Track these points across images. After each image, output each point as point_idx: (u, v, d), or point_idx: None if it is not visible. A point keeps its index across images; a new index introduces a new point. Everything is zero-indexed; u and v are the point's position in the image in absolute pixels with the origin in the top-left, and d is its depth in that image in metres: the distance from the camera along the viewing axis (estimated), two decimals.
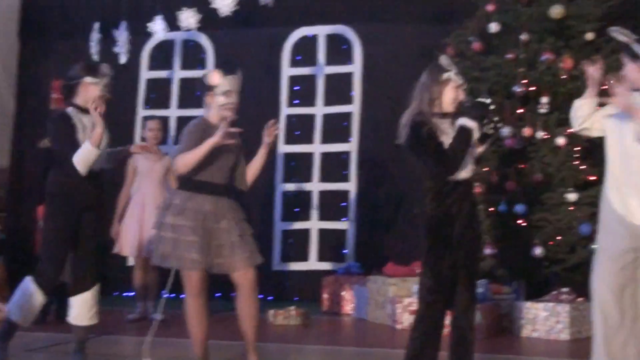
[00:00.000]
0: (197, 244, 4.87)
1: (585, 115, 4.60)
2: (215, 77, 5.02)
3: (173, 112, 9.71)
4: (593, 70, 4.60)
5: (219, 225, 4.94)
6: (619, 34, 4.35)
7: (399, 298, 7.15)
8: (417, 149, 4.51)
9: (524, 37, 7.61)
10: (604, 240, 4.42)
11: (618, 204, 4.36)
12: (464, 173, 4.52)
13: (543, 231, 7.16)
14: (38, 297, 5.35)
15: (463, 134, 4.47)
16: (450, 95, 4.54)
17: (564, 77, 7.43)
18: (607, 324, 4.30)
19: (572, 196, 7.14)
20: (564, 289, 6.79)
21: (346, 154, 9.19)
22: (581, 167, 7.24)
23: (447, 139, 4.49)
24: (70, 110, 5.45)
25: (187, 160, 4.88)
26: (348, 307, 8.06)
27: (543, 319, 6.62)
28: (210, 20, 9.12)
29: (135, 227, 7.42)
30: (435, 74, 4.57)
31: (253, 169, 5.23)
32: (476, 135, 4.55)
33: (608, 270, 4.33)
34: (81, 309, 5.45)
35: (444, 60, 4.62)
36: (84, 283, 5.46)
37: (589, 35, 7.60)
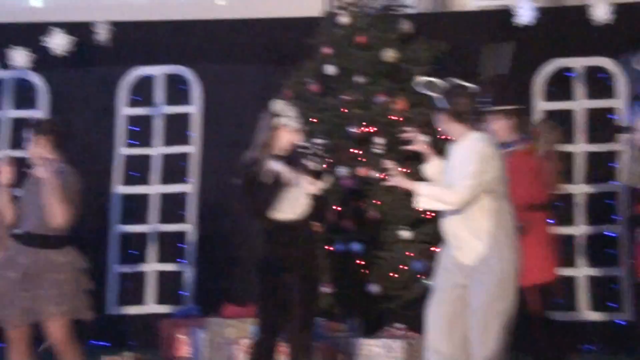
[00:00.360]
0: (21, 296, 4.82)
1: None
2: None
3: (5, 154, 9.34)
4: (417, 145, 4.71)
5: (51, 275, 4.84)
6: (422, 87, 4.53)
7: (238, 339, 7.09)
8: (240, 192, 4.72)
9: (359, 79, 7.80)
10: (437, 276, 4.54)
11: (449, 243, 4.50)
12: (289, 214, 4.61)
13: (379, 269, 7.29)
14: None
15: (266, 177, 4.59)
16: (284, 139, 4.71)
17: (398, 118, 7.64)
18: (435, 357, 4.38)
19: (406, 234, 7.32)
20: (398, 325, 6.92)
21: (184, 195, 9.09)
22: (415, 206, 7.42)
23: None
24: None
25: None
26: (185, 350, 7.90)
27: (378, 354, 6.70)
28: (44, 60, 8.90)
29: None
30: (268, 119, 4.75)
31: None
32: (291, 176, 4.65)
33: (437, 303, 4.42)
34: None
35: (278, 105, 4.76)
36: None
37: None
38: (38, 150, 5.06)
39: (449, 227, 4.43)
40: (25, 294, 4.81)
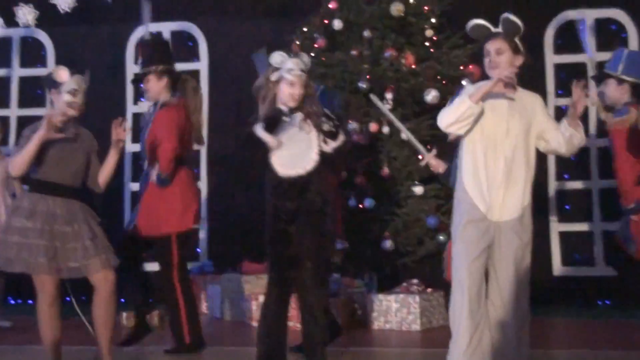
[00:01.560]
0: (43, 248, 4.74)
1: (474, 120, 4.43)
2: (62, 75, 4.91)
3: (13, 112, 9.35)
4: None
5: (70, 229, 4.83)
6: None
7: (254, 295, 7.20)
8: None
9: (367, 34, 7.79)
10: (466, 235, 4.42)
11: (477, 198, 4.41)
12: (297, 170, 4.65)
13: (392, 224, 7.38)
14: None
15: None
16: (285, 92, 4.69)
17: (406, 73, 7.66)
18: (471, 318, 4.37)
19: (418, 189, 7.39)
20: (414, 280, 7.02)
21: (196, 153, 9.11)
22: None
23: (285, 136, 4.65)
24: None
25: (18, 161, 4.77)
26: (202, 306, 8.03)
27: (395, 310, 6.82)
28: (49, 17, 8.86)
29: None
30: (267, 73, 4.73)
31: (105, 170, 5.07)
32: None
33: (467, 259, 4.38)
34: None
35: (275, 58, 4.73)
36: None
37: (429, 32, 7.87)
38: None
39: (513, 173, 4.37)
40: (61, 245, 4.80)
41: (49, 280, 4.81)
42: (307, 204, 4.66)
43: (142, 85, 5.94)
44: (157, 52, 5.93)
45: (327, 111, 4.88)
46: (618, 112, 5.35)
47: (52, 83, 4.92)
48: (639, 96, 5.35)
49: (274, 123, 4.62)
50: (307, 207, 4.66)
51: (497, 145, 4.38)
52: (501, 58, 4.42)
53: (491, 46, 4.44)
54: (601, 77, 5.52)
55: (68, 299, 5.18)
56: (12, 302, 8.62)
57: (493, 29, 4.43)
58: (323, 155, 4.74)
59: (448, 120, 4.42)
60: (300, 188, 4.66)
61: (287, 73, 4.68)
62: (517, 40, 4.42)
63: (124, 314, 7.26)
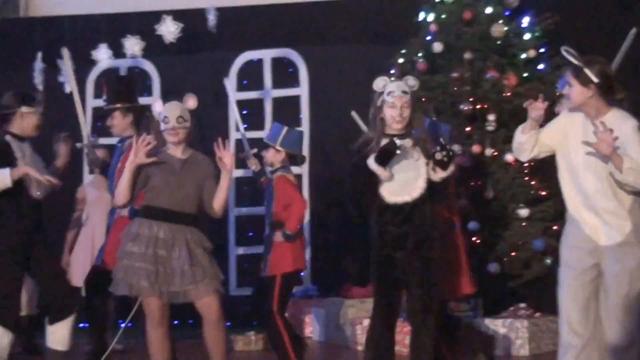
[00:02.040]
0: (145, 271, 4.85)
1: (530, 148, 4.60)
2: (157, 105, 5.13)
3: None
4: (536, 109, 4.53)
5: (171, 253, 4.91)
6: (570, 55, 4.43)
7: (358, 319, 7.20)
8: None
9: (467, 55, 7.76)
10: (569, 256, 4.47)
11: (581, 222, 4.42)
12: (403, 197, 4.64)
13: (497, 248, 7.29)
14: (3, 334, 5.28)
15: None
16: (388, 114, 4.70)
17: (509, 94, 7.59)
18: (575, 339, 4.38)
19: (523, 212, 7.29)
20: (521, 305, 6.91)
21: (298, 177, 9.19)
22: (531, 183, 7.39)
23: (394, 161, 4.65)
24: (8, 138, 5.56)
25: (118, 190, 4.93)
26: (307, 330, 8.07)
27: (502, 335, 6.72)
28: (155, 47, 9.11)
29: (85, 256, 7.32)
30: (374, 99, 4.76)
31: (219, 195, 5.08)
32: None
33: (574, 285, 4.40)
34: (62, 333, 5.38)
35: (377, 83, 4.76)
36: (63, 310, 5.40)
37: (531, 52, 7.79)
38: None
39: (598, 203, 4.35)
40: (163, 269, 4.89)
41: (154, 303, 4.93)
42: (413, 230, 4.65)
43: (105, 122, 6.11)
44: (123, 89, 6.06)
45: (444, 140, 4.85)
46: None
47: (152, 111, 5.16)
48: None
49: (387, 156, 4.63)
50: (413, 234, 4.65)
51: (579, 173, 4.39)
52: (570, 90, 4.40)
53: (566, 77, 4.46)
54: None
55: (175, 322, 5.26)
56: (122, 324, 8.80)
57: (571, 59, 4.38)
58: (431, 183, 4.72)
59: (513, 146, 4.70)
60: (406, 215, 4.66)
61: (388, 96, 4.71)
62: (587, 71, 4.32)
63: (230, 338, 7.32)
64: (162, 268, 4.88)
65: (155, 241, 4.90)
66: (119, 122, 5.98)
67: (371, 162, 4.64)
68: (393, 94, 4.70)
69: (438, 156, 4.68)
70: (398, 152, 4.62)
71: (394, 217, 4.67)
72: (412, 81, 4.85)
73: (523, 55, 7.81)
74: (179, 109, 5.03)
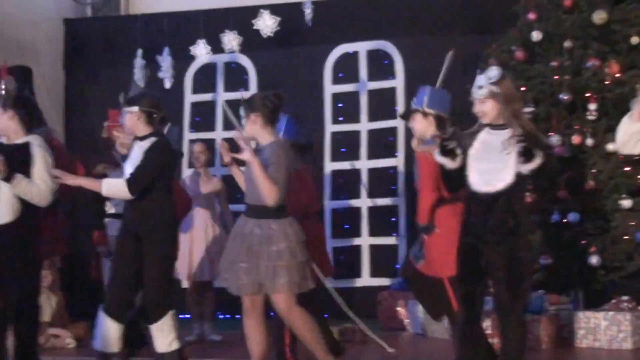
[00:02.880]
0: (245, 268, 4.93)
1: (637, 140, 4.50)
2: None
3: (218, 134, 9.76)
4: None
5: (265, 248, 4.96)
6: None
7: None
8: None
9: (567, 44, 7.58)
10: None
11: None
12: (487, 187, 4.57)
13: (598, 239, 7.11)
14: (111, 324, 5.40)
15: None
16: (476, 109, 4.67)
17: (610, 82, 7.39)
18: None
19: (626, 203, 7.09)
20: (624, 297, 6.73)
21: (393, 169, 9.18)
22: (634, 173, 7.18)
23: (485, 151, 4.61)
24: None
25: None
26: (404, 322, 8.04)
27: (604, 328, 6.56)
28: (251, 42, 9.20)
29: (185, 250, 7.46)
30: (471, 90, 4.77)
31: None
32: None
33: None
34: (159, 336, 5.47)
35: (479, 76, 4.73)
36: (152, 313, 5.48)
37: (635, 39, 7.55)
38: (250, 127, 5.09)
39: None
40: (248, 264, 4.93)
41: (252, 297, 5.00)
42: (495, 222, 4.57)
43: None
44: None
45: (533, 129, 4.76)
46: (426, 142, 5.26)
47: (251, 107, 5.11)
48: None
49: (446, 151, 4.64)
50: (495, 226, 4.57)
51: None
52: None
53: None
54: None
55: (272, 314, 5.31)
56: (222, 317, 8.95)
57: None
58: (519, 176, 4.63)
59: (619, 138, 4.52)
60: (488, 205, 4.59)
61: (473, 91, 4.69)
62: None
63: None
64: (259, 263, 4.94)
65: (251, 237, 4.97)
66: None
67: (436, 155, 4.67)
68: (473, 89, 4.71)
69: (520, 146, 4.60)
70: (448, 147, 4.64)
71: (478, 206, 4.61)
72: (493, 72, 4.71)
73: (626, 43, 7.58)
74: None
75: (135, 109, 5.42)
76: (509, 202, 4.58)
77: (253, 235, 4.97)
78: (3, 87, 5.39)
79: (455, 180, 4.74)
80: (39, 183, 5.29)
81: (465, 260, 4.64)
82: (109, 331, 5.41)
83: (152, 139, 5.45)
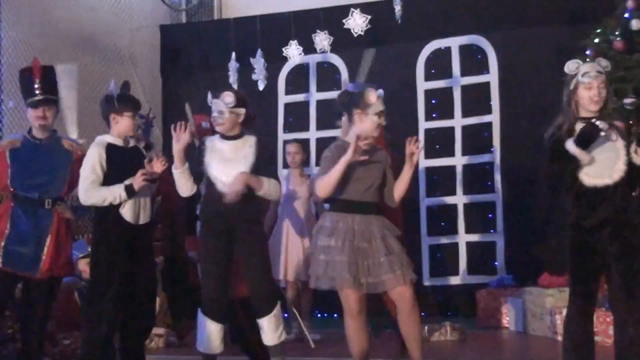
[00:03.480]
0: (346, 264, 4.91)
1: None
2: (371, 97, 5.06)
3: (312, 134, 9.81)
4: None
5: (367, 245, 4.96)
6: None
7: (558, 309, 7.00)
8: (546, 160, 4.72)
9: None
10: None
11: None
12: (604, 180, 4.47)
13: None
14: (211, 325, 5.48)
15: (557, 156, 4.58)
16: (584, 96, 4.58)
17: None
18: None
19: None
20: None
21: (489, 165, 9.06)
22: None
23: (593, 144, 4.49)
24: None
25: (325, 183, 4.96)
26: (504, 320, 7.93)
27: None
28: (342, 41, 9.22)
29: (281, 250, 7.52)
30: (567, 82, 4.68)
31: (400, 186, 5.18)
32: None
33: None
34: (270, 328, 5.53)
35: (569, 65, 4.65)
36: (262, 307, 5.52)
37: None
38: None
39: None
40: (349, 260, 4.90)
41: (352, 295, 4.98)
42: (613, 214, 4.49)
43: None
44: None
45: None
46: None
47: (358, 104, 5.09)
48: None
49: (589, 138, 4.50)
50: (613, 218, 4.49)
51: None
52: None
53: None
54: None
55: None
56: (319, 315, 9.00)
57: None
58: (631, 166, 4.53)
59: None
60: (605, 198, 4.50)
61: (583, 77, 4.60)
62: None
63: (425, 329, 7.30)
64: (361, 260, 4.94)
65: (353, 233, 4.97)
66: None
67: (570, 146, 4.51)
68: (588, 74, 4.62)
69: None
70: (602, 134, 4.49)
71: (592, 201, 4.52)
72: (604, 62, 4.74)
73: None
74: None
75: (243, 110, 5.47)
76: (624, 192, 4.51)
77: (370, 232, 4.98)
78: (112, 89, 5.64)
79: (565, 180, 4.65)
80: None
81: (578, 259, 4.59)
82: (211, 332, 5.47)
83: (252, 137, 5.54)
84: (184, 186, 5.48)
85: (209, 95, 5.58)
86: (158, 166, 5.50)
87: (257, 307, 5.49)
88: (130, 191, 5.40)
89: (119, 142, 5.54)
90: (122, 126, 5.55)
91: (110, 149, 5.47)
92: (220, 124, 5.49)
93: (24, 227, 5.58)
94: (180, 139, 5.32)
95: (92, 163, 5.40)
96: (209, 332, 5.47)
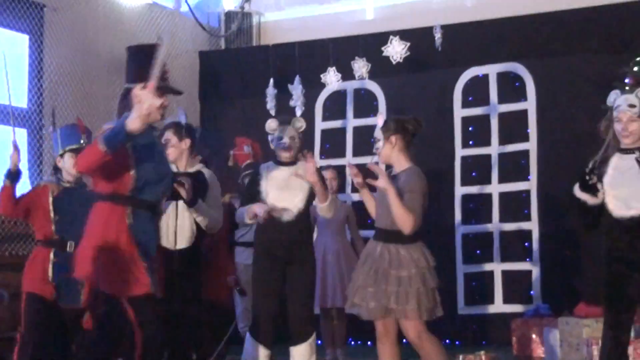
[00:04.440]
0: (371, 292, 4.91)
1: None
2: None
3: (348, 161, 9.81)
4: None
5: (394, 272, 4.92)
6: None
7: (595, 339, 6.90)
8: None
9: None
10: None
11: None
12: (631, 212, 4.44)
13: None
14: (259, 349, 5.51)
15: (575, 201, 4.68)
16: (617, 129, 4.57)
17: None
18: None
19: None
20: None
21: (526, 193, 9.00)
22: None
23: (620, 174, 4.51)
24: None
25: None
26: (539, 350, 7.83)
27: None
28: (380, 68, 9.25)
29: (317, 275, 7.51)
30: (609, 113, 4.67)
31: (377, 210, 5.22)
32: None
33: None
34: (304, 356, 5.53)
35: (609, 97, 4.66)
36: (300, 333, 5.55)
37: None
38: (388, 150, 5.05)
39: None
40: (376, 288, 4.89)
41: (384, 322, 4.99)
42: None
43: None
44: None
45: None
46: None
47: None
48: None
49: (585, 183, 4.56)
50: None
51: None
52: None
53: None
54: None
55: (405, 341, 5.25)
56: (353, 343, 8.98)
57: None
58: None
59: None
60: (635, 230, 4.46)
61: (615, 110, 4.61)
62: None
63: (460, 357, 7.24)
64: (387, 287, 4.92)
65: (381, 260, 4.95)
66: None
67: (576, 190, 4.62)
68: (619, 107, 4.60)
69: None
70: (591, 181, 4.54)
71: (623, 232, 4.50)
72: None
73: None
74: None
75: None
76: None
77: (382, 259, 4.94)
78: (182, 118, 5.71)
79: (593, 214, 4.63)
80: (216, 209, 5.60)
81: (612, 290, 4.56)
82: (260, 357, 5.50)
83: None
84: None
85: (273, 122, 5.62)
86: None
87: (295, 333, 5.52)
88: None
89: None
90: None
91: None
92: (291, 149, 5.56)
93: None
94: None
95: None
96: (255, 355, 5.49)
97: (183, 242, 5.53)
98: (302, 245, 5.60)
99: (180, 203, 5.50)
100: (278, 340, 5.70)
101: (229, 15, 10.91)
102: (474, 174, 9.22)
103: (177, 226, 5.52)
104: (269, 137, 5.77)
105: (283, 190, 5.52)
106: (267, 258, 5.58)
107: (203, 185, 5.61)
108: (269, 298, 5.55)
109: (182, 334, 5.56)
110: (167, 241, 5.49)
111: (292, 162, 5.64)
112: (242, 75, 10.37)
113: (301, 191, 5.54)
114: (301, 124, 5.65)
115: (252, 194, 5.63)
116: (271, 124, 5.67)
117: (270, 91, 9.56)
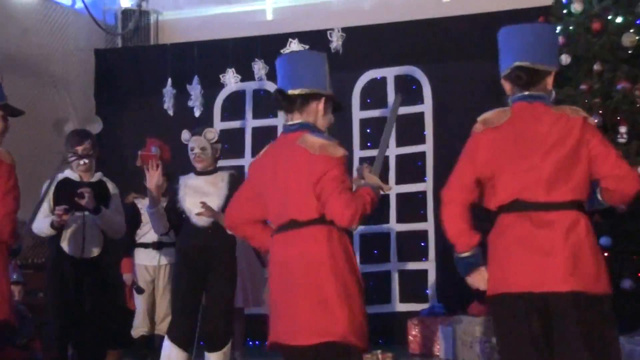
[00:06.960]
0: None
1: None
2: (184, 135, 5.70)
3: (247, 161, 9.79)
4: None
5: None
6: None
7: (486, 337, 7.08)
8: None
9: (597, 67, 7.55)
10: None
11: None
12: None
13: (631, 263, 7.03)
14: (178, 353, 5.47)
15: None
16: None
17: None
18: None
19: None
20: None
21: (422, 194, 9.16)
22: None
23: None
24: None
25: None
26: (435, 348, 7.98)
27: (638, 354, 6.46)
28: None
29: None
30: None
31: None
32: None
33: None
34: None
35: None
36: (216, 342, 5.57)
37: None
38: None
39: None
40: None
41: None
42: None
43: None
44: None
45: None
46: None
47: None
48: None
49: None
50: None
51: None
52: None
53: None
54: None
55: None
56: (251, 344, 8.92)
57: None
58: None
59: None
60: None
61: None
62: None
63: None
64: None
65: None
66: None
67: None
68: None
69: None
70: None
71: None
72: None
73: None
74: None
75: (219, 145, 5.96)
76: None
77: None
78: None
79: None
80: (118, 215, 5.81)
81: None
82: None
83: (225, 172, 6.00)
84: (158, 225, 5.54)
85: (185, 133, 5.76)
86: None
87: (212, 341, 5.57)
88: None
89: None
90: None
91: None
92: (202, 160, 5.59)
93: None
94: (154, 178, 5.38)
95: None
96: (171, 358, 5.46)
97: (92, 251, 5.69)
98: (220, 251, 5.63)
99: (87, 214, 5.66)
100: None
101: (126, 13, 10.72)
102: None
103: (85, 236, 5.64)
104: None
105: (199, 197, 5.57)
106: (186, 263, 5.65)
107: (105, 194, 5.81)
108: (184, 301, 5.56)
109: (93, 340, 5.65)
110: (75, 251, 5.62)
111: (210, 171, 5.77)
112: (139, 74, 10.20)
113: (218, 198, 5.61)
114: (213, 135, 5.79)
115: (172, 203, 5.76)
116: (184, 135, 5.84)
117: (168, 91, 9.45)
